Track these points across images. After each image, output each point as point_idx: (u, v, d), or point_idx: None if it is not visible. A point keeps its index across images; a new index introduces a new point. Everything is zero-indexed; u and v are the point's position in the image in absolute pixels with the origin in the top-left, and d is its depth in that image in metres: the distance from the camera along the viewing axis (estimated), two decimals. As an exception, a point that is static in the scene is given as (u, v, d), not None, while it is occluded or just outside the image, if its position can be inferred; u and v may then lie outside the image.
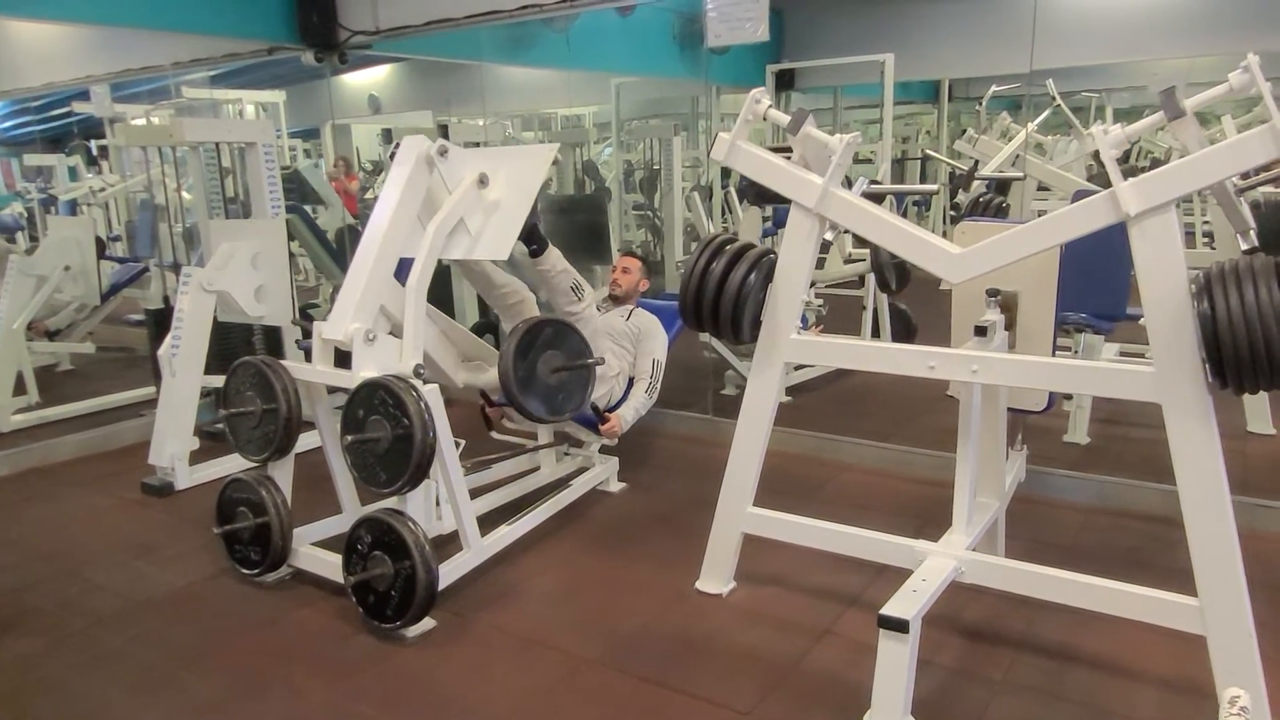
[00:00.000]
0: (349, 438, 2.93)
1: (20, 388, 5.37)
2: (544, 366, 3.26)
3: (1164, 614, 2.42)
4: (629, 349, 4.08)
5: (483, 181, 3.17)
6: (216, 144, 5.15)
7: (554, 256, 3.69)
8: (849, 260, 5.74)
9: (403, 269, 3.14)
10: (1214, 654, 2.33)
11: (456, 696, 2.63)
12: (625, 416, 3.85)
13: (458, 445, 3.15)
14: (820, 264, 5.35)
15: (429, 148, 3.11)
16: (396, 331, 3.15)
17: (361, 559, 2.95)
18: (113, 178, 9.22)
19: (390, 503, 3.06)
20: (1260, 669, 2.27)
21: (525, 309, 3.66)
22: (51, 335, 6.22)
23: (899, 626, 2.31)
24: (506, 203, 3.21)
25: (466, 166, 3.20)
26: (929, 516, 3.58)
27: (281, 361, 3.30)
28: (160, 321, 4.84)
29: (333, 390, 3.34)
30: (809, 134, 2.73)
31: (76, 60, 6.81)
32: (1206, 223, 6.17)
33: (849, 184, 2.82)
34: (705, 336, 5.08)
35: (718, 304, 2.82)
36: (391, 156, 3.23)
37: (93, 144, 10.18)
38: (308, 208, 7.22)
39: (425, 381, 3.00)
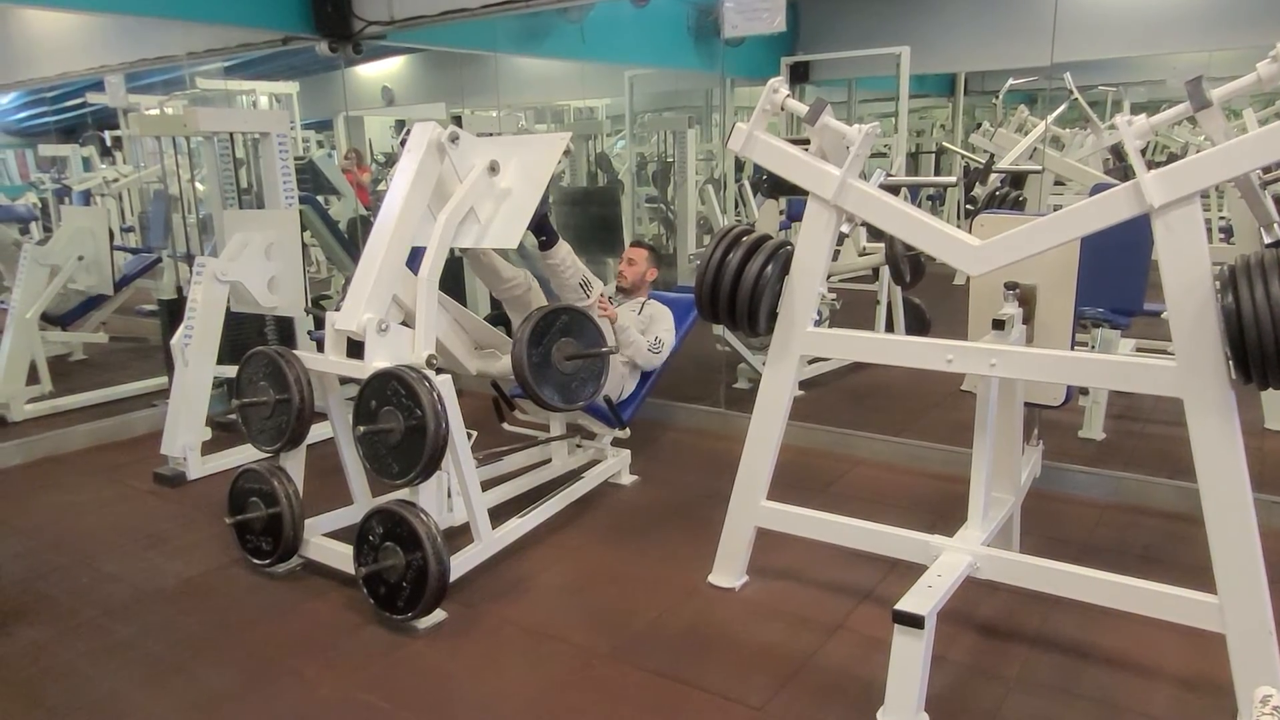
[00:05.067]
0: (361, 429, 2.92)
1: (33, 377, 5.38)
2: (558, 354, 3.24)
3: (1182, 611, 2.40)
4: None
5: (494, 169, 3.15)
6: (230, 134, 5.15)
7: (564, 251, 3.67)
8: (863, 253, 5.70)
9: (414, 258, 3.13)
10: (1233, 652, 2.30)
11: (467, 689, 2.62)
12: (625, 324, 3.86)
13: (470, 437, 3.14)
14: (834, 256, 5.32)
15: (440, 134, 3.09)
16: (409, 321, 3.13)
17: (373, 550, 2.94)
18: (126, 168, 9.24)
19: (402, 494, 3.04)
20: (1281, 667, 2.25)
21: (533, 299, 3.65)
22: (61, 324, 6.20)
23: (914, 622, 2.29)
24: (517, 191, 3.20)
25: (477, 154, 3.18)
26: (943, 511, 3.55)
27: (294, 352, 3.29)
28: (173, 311, 4.83)
29: (345, 381, 3.33)
30: (827, 124, 2.69)
31: (91, 50, 6.82)
32: (1224, 218, 6.12)
33: (865, 176, 2.79)
34: (718, 330, 5.06)
35: (734, 296, 2.80)
36: (402, 143, 3.21)
37: (107, 135, 10.20)
38: (321, 198, 7.22)
39: (438, 371, 2.99)
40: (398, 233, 3.08)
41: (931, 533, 2.79)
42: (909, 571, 2.66)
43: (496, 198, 3.20)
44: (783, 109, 2.79)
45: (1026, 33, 5.88)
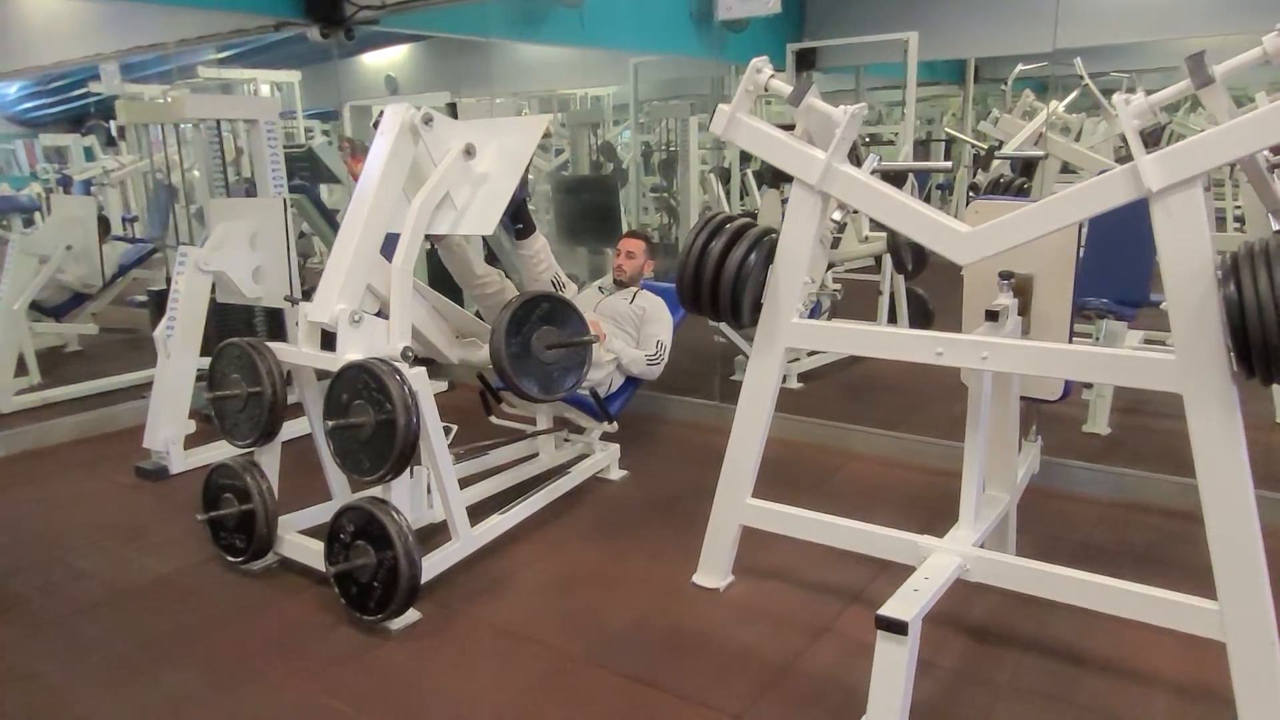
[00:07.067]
0: (330, 423, 2.83)
1: (22, 368, 5.32)
2: (538, 343, 3.13)
3: (1181, 618, 2.28)
4: (631, 334, 3.95)
5: (469, 152, 3.04)
6: (218, 122, 5.07)
7: (540, 244, 3.56)
8: (865, 241, 5.57)
9: (389, 246, 3.03)
10: (1233, 661, 2.19)
11: (435, 694, 2.52)
12: (615, 345, 3.73)
13: (448, 431, 3.04)
14: (835, 244, 5.20)
15: (413, 116, 2.98)
16: (386, 311, 3.04)
17: (344, 549, 2.85)
18: (127, 158, 9.20)
19: (374, 491, 2.95)
20: (1283, 678, 2.13)
21: (507, 296, 3.54)
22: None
23: (897, 628, 2.18)
24: (495, 176, 3.09)
25: (453, 137, 3.06)
26: (939, 509, 3.42)
27: (268, 343, 3.20)
28: (161, 302, 4.76)
29: (324, 375, 3.24)
30: (812, 105, 2.58)
31: (85, 37, 6.77)
32: (1238, 207, 5.96)
33: (858, 162, 2.67)
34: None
35: (716, 285, 2.69)
36: (375, 126, 3.11)
37: (111, 124, 10.18)
38: (323, 187, 7.13)
39: (415, 362, 2.89)
40: (371, 219, 2.98)
41: (926, 531, 2.68)
42: (901, 571, 2.54)
43: (473, 182, 3.09)
44: (766, 89, 2.67)
45: (1035, 17, 5.72)
